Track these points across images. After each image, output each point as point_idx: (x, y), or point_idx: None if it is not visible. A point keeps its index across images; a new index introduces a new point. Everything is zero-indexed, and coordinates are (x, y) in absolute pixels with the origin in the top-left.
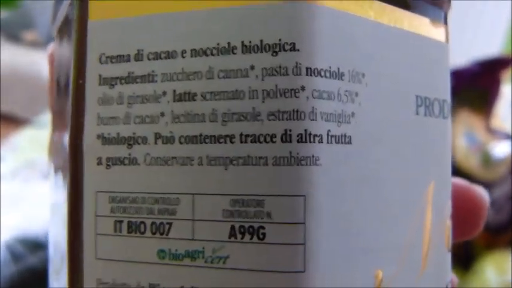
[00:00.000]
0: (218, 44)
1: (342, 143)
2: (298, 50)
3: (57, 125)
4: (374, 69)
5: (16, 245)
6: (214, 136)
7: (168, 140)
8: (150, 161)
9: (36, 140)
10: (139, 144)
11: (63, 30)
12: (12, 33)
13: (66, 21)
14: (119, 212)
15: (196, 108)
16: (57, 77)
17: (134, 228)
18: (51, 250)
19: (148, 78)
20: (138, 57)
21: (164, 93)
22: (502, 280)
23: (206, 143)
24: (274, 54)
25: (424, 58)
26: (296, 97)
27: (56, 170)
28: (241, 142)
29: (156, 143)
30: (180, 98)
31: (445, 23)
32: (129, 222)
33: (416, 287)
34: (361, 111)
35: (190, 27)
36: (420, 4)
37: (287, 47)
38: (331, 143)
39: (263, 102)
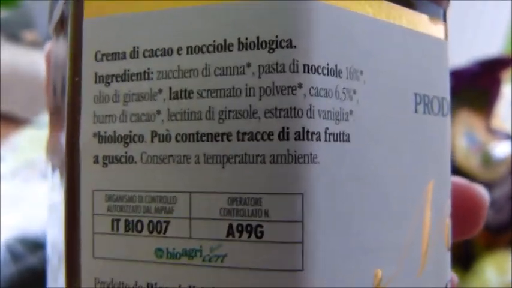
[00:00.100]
0: (214, 41)
1: (340, 140)
2: (295, 47)
3: (54, 124)
4: (372, 66)
5: (16, 245)
6: (211, 134)
7: (165, 138)
8: (147, 159)
9: (36, 140)
10: (135, 142)
11: (59, 29)
12: (12, 33)
13: (62, 19)
14: (116, 211)
15: (192, 106)
16: (54, 76)
17: (131, 226)
18: (49, 250)
19: (144, 75)
20: (134, 54)
21: (160, 90)
22: (502, 280)
23: (203, 141)
24: (271, 51)
25: (423, 55)
26: (293, 94)
27: (54, 169)
28: (238, 140)
29: (152, 141)
30: (176, 95)
31: (444, 20)
32: (126, 220)
33: (415, 286)
34: (359, 108)
35: (186, 24)
36: (419, 1)
37: (284, 44)
38: (329, 140)
39: (260, 99)
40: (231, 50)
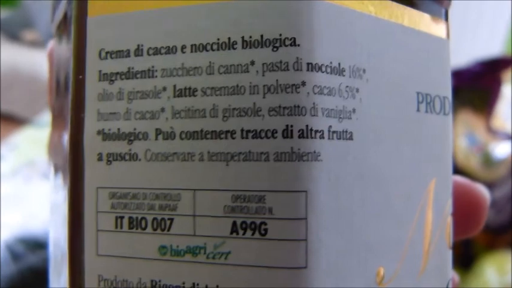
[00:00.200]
0: (218, 39)
1: (343, 138)
2: (299, 45)
3: (57, 123)
4: (375, 65)
5: (16, 244)
6: (215, 132)
7: (169, 136)
8: (151, 157)
9: (36, 139)
10: (139, 139)
11: (62, 28)
12: (12, 33)
13: (65, 19)
14: (119, 208)
15: (196, 103)
16: (57, 75)
17: (135, 224)
18: (52, 249)
19: (149, 73)
20: (138, 52)
21: (164, 88)
22: (502, 280)
23: (207, 138)
24: (274, 49)
25: (424, 54)
26: (297, 92)
27: (56, 169)
28: (242, 138)
29: (156, 138)
30: (180, 93)
31: (446, 19)
32: (130, 218)
33: (417, 285)
34: (362, 107)
35: (190, 23)
36: (421, 0)
37: (287, 42)
38: (332, 138)
39: (264, 97)
40: (235, 48)
